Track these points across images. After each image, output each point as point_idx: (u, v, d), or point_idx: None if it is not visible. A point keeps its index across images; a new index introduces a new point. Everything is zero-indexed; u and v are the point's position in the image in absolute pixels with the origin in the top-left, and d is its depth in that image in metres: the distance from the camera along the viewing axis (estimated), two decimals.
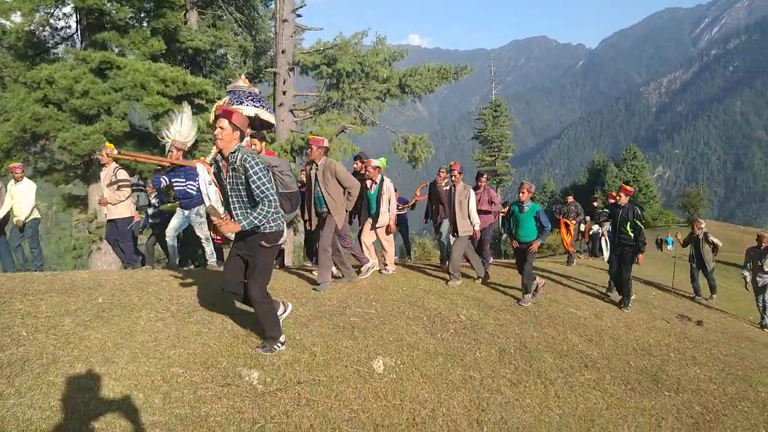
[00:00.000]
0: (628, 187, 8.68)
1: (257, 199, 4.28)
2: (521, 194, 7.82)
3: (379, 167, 8.09)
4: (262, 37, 20.04)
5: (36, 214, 9.05)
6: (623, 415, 4.94)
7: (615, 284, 9.04)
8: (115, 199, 8.02)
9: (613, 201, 11.74)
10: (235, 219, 4.28)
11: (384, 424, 3.90)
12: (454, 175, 8.23)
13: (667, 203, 73.02)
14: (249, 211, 4.30)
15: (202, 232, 7.74)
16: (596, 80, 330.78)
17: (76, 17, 15.73)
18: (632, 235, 8.36)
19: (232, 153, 4.39)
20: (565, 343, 6.34)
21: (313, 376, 4.28)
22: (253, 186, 4.24)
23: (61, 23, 16.45)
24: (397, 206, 11.41)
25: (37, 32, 15.41)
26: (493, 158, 39.29)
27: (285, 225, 4.64)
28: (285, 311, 4.81)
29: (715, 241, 11.66)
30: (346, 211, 6.93)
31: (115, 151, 8.22)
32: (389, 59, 17.29)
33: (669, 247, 31.76)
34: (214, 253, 7.99)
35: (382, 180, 8.07)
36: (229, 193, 4.47)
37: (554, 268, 12.21)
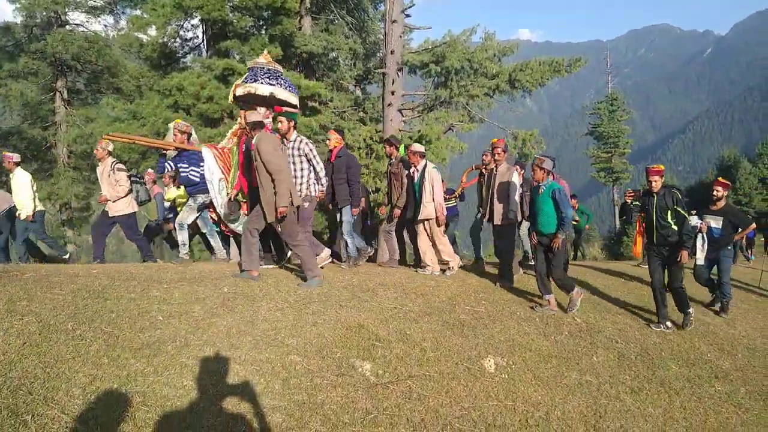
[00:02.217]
0: (657, 167, 6.58)
1: None
2: (533, 173, 6.41)
3: (420, 152, 7.40)
4: (372, 39, 20.39)
5: (39, 206, 8.42)
6: None
7: (656, 297, 6.54)
8: (114, 195, 7.70)
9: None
10: None
11: (496, 423, 3.83)
12: (498, 153, 7.21)
13: None
14: None
15: (182, 216, 7.15)
16: (727, 69, 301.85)
17: (203, 28, 16.98)
18: (676, 228, 6.30)
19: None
20: (692, 352, 5.88)
21: (423, 371, 4.30)
22: None
23: (190, 34, 17.84)
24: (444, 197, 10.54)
25: (168, 43, 16.77)
26: (609, 155, 37.17)
27: None
28: None
29: None
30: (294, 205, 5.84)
31: (111, 146, 7.85)
32: (498, 55, 16.92)
33: None
34: (187, 244, 7.27)
35: (425, 166, 7.36)
36: None
37: None
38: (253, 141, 5.74)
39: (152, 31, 15.80)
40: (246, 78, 7.41)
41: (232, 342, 4.19)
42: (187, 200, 7.29)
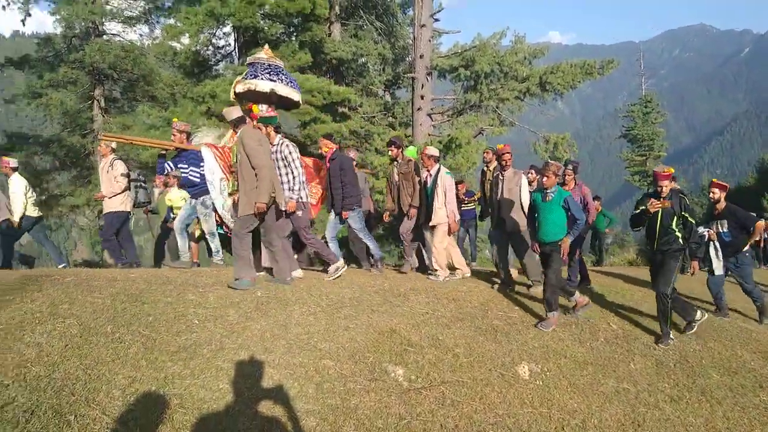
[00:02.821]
0: (666, 171, 5.81)
1: None
2: (545, 178, 5.81)
3: (435, 156, 7.18)
4: (401, 44, 20.44)
5: (34, 213, 8.08)
6: None
7: (660, 308, 5.87)
8: (110, 191, 7.47)
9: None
10: None
11: (531, 431, 3.78)
12: (506, 160, 6.90)
13: None
14: None
15: (207, 225, 7.03)
16: (766, 68, 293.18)
17: (235, 36, 17.27)
18: (680, 235, 5.75)
19: None
20: (734, 360, 5.69)
21: (456, 377, 4.27)
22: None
23: (222, 42, 18.19)
24: (463, 200, 10.01)
25: (201, 51, 17.10)
26: (644, 158, 36.23)
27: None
28: None
29: None
30: (273, 202, 5.69)
31: (114, 143, 7.71)
32: (529, 57, 16.80)
33: None
34: (220, 250, 7.32)
35: (438, 171, 7.12)
36: None
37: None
38: (237, 135, 5.67)
39: (185, 40, 16.13)
40: (246, 74, 7.21)
41: (266, 346, 4.23)
42: (187, 202, 7.14)
